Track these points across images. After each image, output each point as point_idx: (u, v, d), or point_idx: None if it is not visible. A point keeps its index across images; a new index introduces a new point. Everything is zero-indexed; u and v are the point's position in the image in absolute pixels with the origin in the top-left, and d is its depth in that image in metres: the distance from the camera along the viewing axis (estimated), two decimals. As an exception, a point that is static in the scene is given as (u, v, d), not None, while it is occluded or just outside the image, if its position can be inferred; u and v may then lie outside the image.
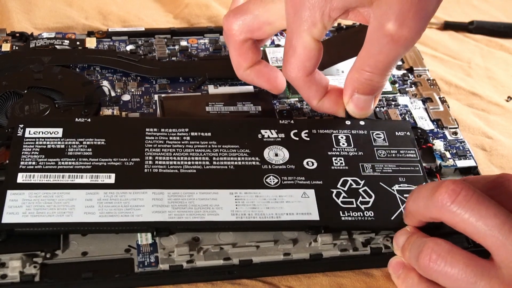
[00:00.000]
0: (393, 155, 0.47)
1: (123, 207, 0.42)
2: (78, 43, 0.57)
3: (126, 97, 0.53)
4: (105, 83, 0.54)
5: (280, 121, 0.48)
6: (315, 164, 0.46)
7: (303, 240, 0.43)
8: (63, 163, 0.44)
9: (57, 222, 0.41)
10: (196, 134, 0.46)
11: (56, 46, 0.57)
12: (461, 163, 0.50)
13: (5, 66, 0.53)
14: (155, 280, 0.41)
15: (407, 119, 0.54)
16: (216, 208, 0.42)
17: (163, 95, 0.53)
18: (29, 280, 0.40)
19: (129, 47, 0.58)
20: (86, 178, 0.43)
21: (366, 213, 0.43)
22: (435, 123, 0.54)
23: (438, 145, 0.51)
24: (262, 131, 0.47)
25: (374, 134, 0.48)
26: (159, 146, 0.45)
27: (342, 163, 0.46)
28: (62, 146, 0.44)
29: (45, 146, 0.44)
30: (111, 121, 0.48)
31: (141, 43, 0.59)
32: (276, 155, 0.46)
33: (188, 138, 0.46)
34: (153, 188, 0.43)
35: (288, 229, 0.43)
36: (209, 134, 0.46)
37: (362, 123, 0.49)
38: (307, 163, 0.46)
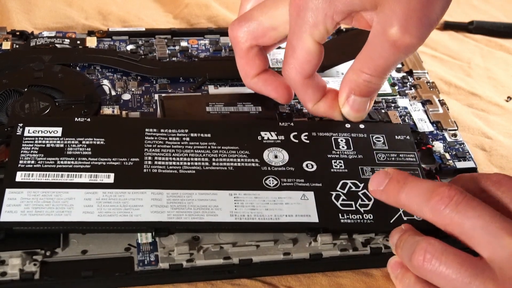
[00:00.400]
0: (393, 158, 0.47)
1: (122, 207, 0.42)
2: (78, 42, 0.57)
3: (127, 96, 0.53)
4: (105, 82, 0.54)
5: (280, 123, 0.48)
6: (315, 167, 0.46)
7: (303, 240, 0.43)
8: (62, 162, 0.43)
9: (55, 221, 0.40)
10: (195, 135, 0.46)
11: (57, 45, 0.57)
12: (461, 165, 0.50)
13: (5, 65, 0.53)
14: (155, 279, 0.41)
15: (407, 121, 0.54)
16: (215, 209, 0.42)
17: (163, 95, 0.53)
18: (29, 278, 0.40)
19: (130, 47, 0.58)
20: (85, 178, 0.43)
21: (366, 216, 0.43)
22: (434, 125, 0.54)
23: (438, 146, 0.51)
24: (262, 133, 0.47)
25: (373, 137, 0.48)
26: (158, 146, 0.45)
27: (341, 166, 0.46)
28: (62, 146, 0.44)
29: (44, 145, 0.44)
30: (111, 121, 0.48)
31: (141, 43, 0.59)
32: (276, 157, 0.46)
33: (187, 139, 0.46)
34: (152, 188, 0.43)
35: (287, 230, 0.43)
36: (209, 135, 0.46)
37: (362, 126, 0.48)
38: (307, 165, 0.46)
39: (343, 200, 0.44)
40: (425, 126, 0.53)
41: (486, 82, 0.62)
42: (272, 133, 0.47)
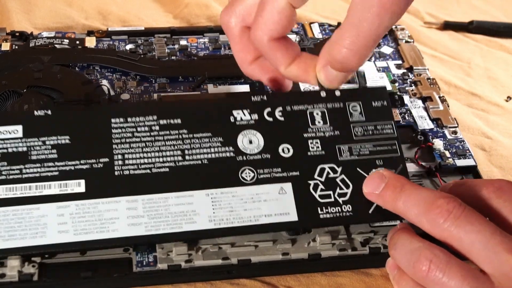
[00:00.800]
0: (370, 132, 0.45)
1: (97, 221, 0.40)
2: (77, 42, 0.57)
3: (126, 96, 0.53)
4: (104, 82, 0.54)
5: (253, 97, 0.45)
6: (291, 151, 0.44)
7: (301, 240, 0.43)
8: (27, 170, 0.41)
9: (31, 245, 0.39)
10: (165, 122, 0.43)
11: (56, 46, 0.57)
12: (461, 163, 0.50)
13: (4, 65, 0.53)
14: (154, 280, 0.41)
15: (407, 118, 0.54)
16: (193, 214, 0.41)
17: (162, 94, 0.53)
18: (28, 280, 0.39)
19: (129, 46, 0.58)
20: (55, 188, 0.40)
21: (344, 208, 0.42)
22: (434, 122, 0.54)
23: (438, 144, 0.51)
24: (234, 113, 0.44)
25: (350, 106, 0.45)
26: (127, 140, 0.42)
27: (318, 147, 0.44)
28: (24, 149, 0.41)
29: (6, 150, 0.41)
30: (74, 113, 0.43)
31: (140, 43, 0.59)
32: (251, 142, 0.44)
33: (157, 128, 0.43)
34: (126, 195, 0.41)
35: (267, 231, 0.42)
36: (179, 121, 0.43)
37: (337, 93, 0.46)
38: (283, 150, 0.44)
39: (321, 190, 0.43)
40: (425, 123, 0.53)
41: (486, 82, 0.62)
42: (245, 111, 0.44)
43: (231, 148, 0.43)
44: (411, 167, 0.49)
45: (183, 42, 0.59)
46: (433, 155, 0.51)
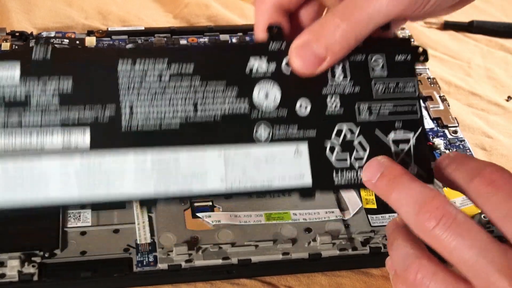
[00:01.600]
0: (391, 90, 0.42)
1: (103, 177, 0.37)
2: (77, 42, 0.57)
3: (126, 97, 0.53)
4: (104, 82, 0.54)
5: (270, 46, 0.41)
6: (309, 108, 0.41)
7: (302, 240, 0.43)
8: (27, 118, 0.37)
9: (33, 202, 0.36)
10: (176, 69, 0.39)
11: (56, 45, 0.57)
12: (461, 163, 0.50)
13: (4, 65, 0.53)
14: (154, 280, 0.41)
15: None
16: (204, 174, 0.38)
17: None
18: (28, 280, 0.40)
19: (129, 46, 0.58)
20: (57, 141, 0.37)
21: (359, 173, 0.40)
22: (435, 122, 0.54)
23: (438, 143, 0.51)
24: (251, 60, 0.41)
25: (372, 59, 0.42)
26: (135, 88, 0.38)
27: (337, 105, 0.41)
28: (22, 98, 0.37)
29: (1, 96, 0.37)
30: (76, 55, 0.39)
31: (140, 42, 0.59)
32: (267, 96, 0.40)
33: (167, 78, 0.39)
34: (134, 149, 0.38)
35: (279, 193, 0.40)
36: (191, 70, 0.39)
37: (360, 44, 0.42)
38: (300, 106, 0.40)
39: (337, 153, 0.40)
40: (425, 123, 0.53)
41: (486, 82, 0.62)
42: (263, 57, 0.41)
43: (246, 103, 0.40)
44: (411, 167, 0.49)
45: (183, 42, 0.59)
46: (433, 155, 0.51)
